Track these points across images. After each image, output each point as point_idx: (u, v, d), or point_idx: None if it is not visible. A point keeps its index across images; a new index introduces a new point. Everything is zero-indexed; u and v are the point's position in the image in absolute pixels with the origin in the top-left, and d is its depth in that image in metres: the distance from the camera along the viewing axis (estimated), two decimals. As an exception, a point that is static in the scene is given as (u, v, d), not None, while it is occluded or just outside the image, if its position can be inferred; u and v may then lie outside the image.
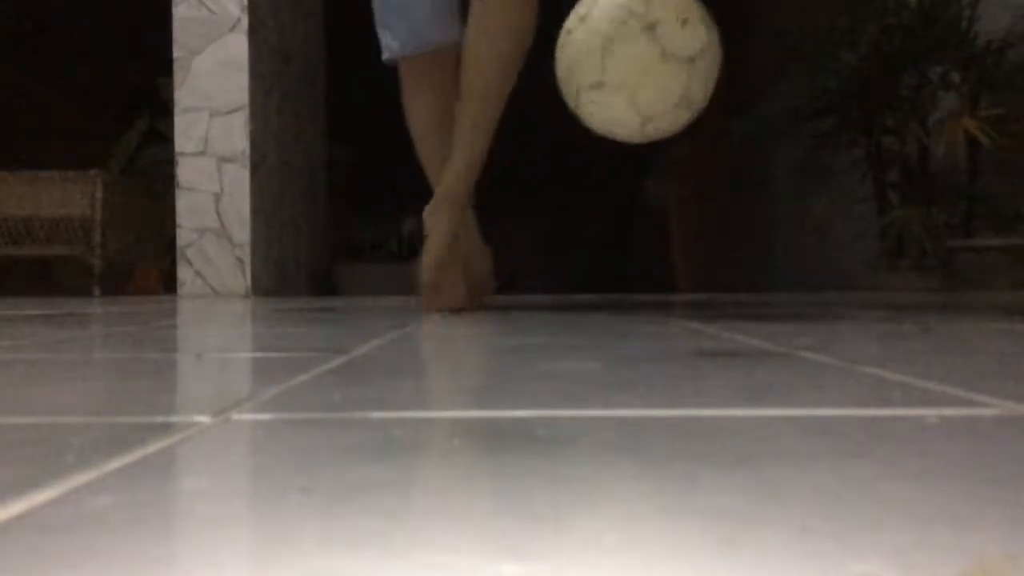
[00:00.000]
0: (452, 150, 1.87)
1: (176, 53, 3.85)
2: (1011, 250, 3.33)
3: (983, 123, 3.36)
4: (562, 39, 1.55)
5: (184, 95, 3.85)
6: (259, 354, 1.09)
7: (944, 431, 0.49)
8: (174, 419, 0.56)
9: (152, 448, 0.46)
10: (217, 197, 3.85)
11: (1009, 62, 3.43)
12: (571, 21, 1.52)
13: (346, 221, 5.49)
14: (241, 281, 3.84)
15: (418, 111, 1.98)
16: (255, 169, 3.88)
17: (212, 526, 0.33)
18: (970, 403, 0.59)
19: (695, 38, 1.44)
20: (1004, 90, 3.46)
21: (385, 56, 1.97)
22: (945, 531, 0.30)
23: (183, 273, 3.86)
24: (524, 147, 8.70)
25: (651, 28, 1.42)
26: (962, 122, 3.39)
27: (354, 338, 1.28)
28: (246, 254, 3.84)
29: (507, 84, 1.84)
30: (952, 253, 3.47)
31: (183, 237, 3.86)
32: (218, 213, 3.85)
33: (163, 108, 4.28)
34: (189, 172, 3.85)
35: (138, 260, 4.71)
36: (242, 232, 3.84)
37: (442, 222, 1.85)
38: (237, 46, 3.84)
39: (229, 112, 3.84)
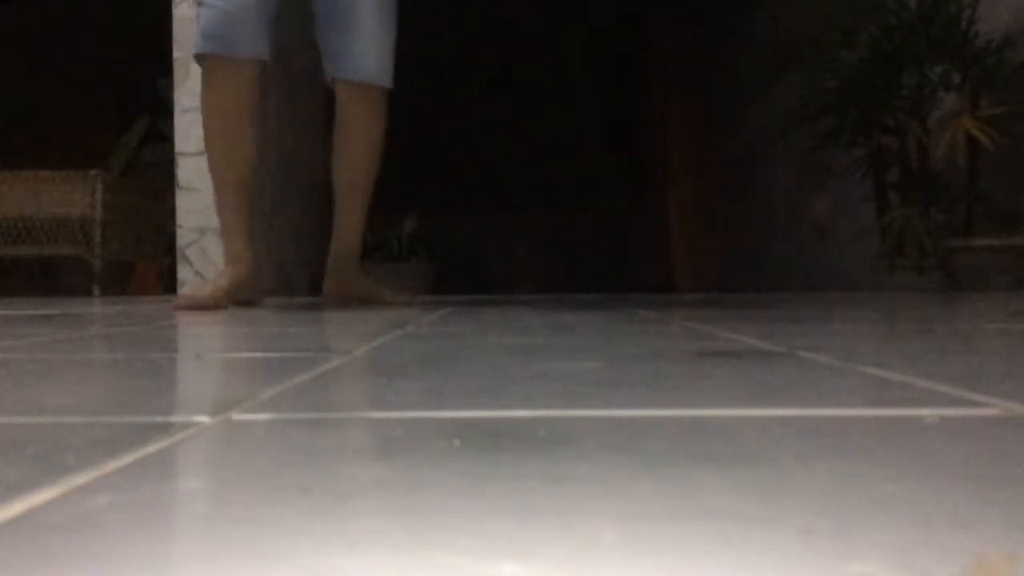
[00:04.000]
0: (346, 228, 2.47)
1: (176, 53, 3.84)
2: (1011, 250, 3.33)
3: (983, 123, 3.35)
4: None
5: (184, 95, 3.84)
6: (259, 354, 1.09)
7: (944, 431, 0.49)
8: (174, 419, 0.56)
9: (152, 448, 0.46)
10: (217, 197, 3.84)
11: (1009, 62, 3.43)
12: None
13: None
14: (241, 281, 3.83)
15: (210, 108, 2.27)
16: (255, 169, 3.88)
17: (212, 526, 0.33)
18: (970, 403, 0.59)
19: None
20: (1004, 90, 3.45)
21: (194, 50, 2.24)
22: (945, 531, 0.30)
23: (183, 273, 3.86)
24: (524, 148, 8.72)
25: None
26: (962, 122, 3.39)
27: (354, 338, 1.28)
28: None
29: (373, 179, 2.43)
30: (952, 253, 3.47)
31: (183, 237, 3.86)
32: (218, 213, 3.85)
33: (163, 108, 4.28)
34: (189, 172, 3.84)
35: (138, 260, 4.71)
36: (242, 232, 3.83)
37: (354, 278, 2.47)
38: (237, 46, 3.83)
39: (229, 112, 3.84)
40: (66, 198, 4.30)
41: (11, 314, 2.05)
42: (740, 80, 6.36)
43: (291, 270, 4.37)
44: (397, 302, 2.37)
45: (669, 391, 0.67)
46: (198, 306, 2.11)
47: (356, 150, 2.39)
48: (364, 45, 2.31)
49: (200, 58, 2.24)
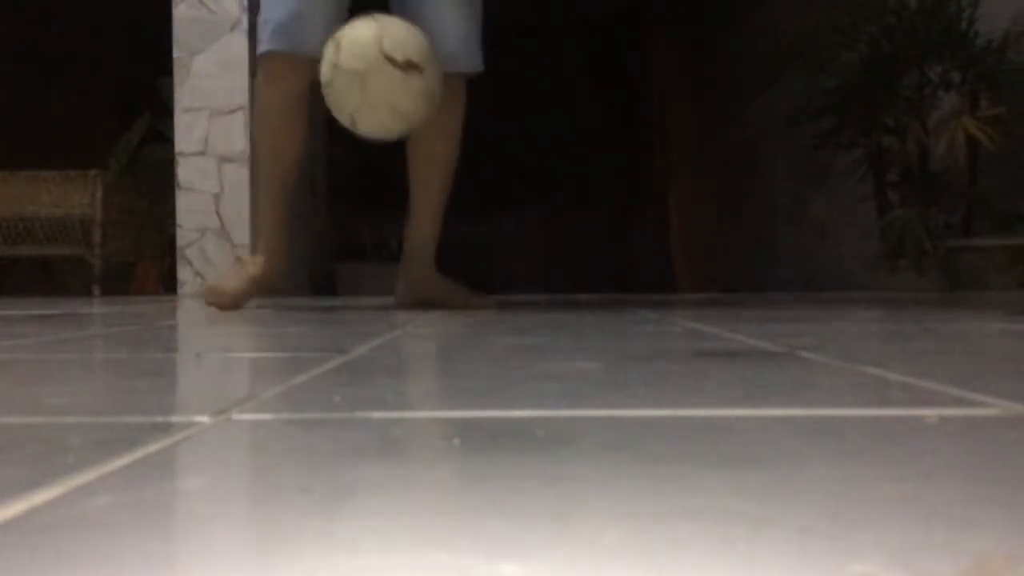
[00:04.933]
0: (420, 223, 2.30)
1: (176, 53, 3.84)
2: (1011, 250, 3.33)
3: (983, 123, 3.36)
4: (325, 88, 1.93)
5: (184, 95, 3.84)
6: (259, 354, 1.09)
7: (944, 431, 0.49)
8: (174, 419, 0.56)
9: (152, 448, 0.46)
10: (217, 197, 3.85)
11: (1009, 62, 3.43)
12: (326, 73, 1.90)
13: (346, 221, 5.48)
14: (241, 281, 3.83)
15: (272, 104, 2.22)
16: (255, 169, 3.88)
17: (212, 526, 0.33)
18: (970, 403, 0.59)
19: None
20: (1004, 90, 3.45)
21: (262, 48, 2.18)
22: (945, 531, 0.30)
23: (183, 273, 3.86)
24: (524, 148, 8.71)
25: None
26: (962, 122, 3.39)
27: (354, 338, 1.28)
28: (246, 254, 3.84)
29: (452, 172, 2.29)
30: (952, 253, 3.47)
31: (183, 237, 3.86)
32: (218, 213, 3.85)
33: (163, 108, 4.28)
34: (189, 172, 3.85)
35: (138, 260, 4.71)
36: (242, 232, 3.84)
37: (430, 280, 2.29)
38: (237, 46, 3.84)
39: (229, 112, 3.84)
40: (66, 198, 4.30)
41: (11, 314, 2.05)
42: (740, 80, 6.36)
43: (291, 270, 4.37)
44: (476, 306, 2.22)
45: (669, 391, 0.67)
46: (225, 304, 2.09)
47: (436, 141, 2.24)
48: (445, 27, 2.17)
49: (266, 55, 2.19)
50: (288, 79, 2.17)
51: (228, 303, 2.09)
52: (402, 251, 2.38)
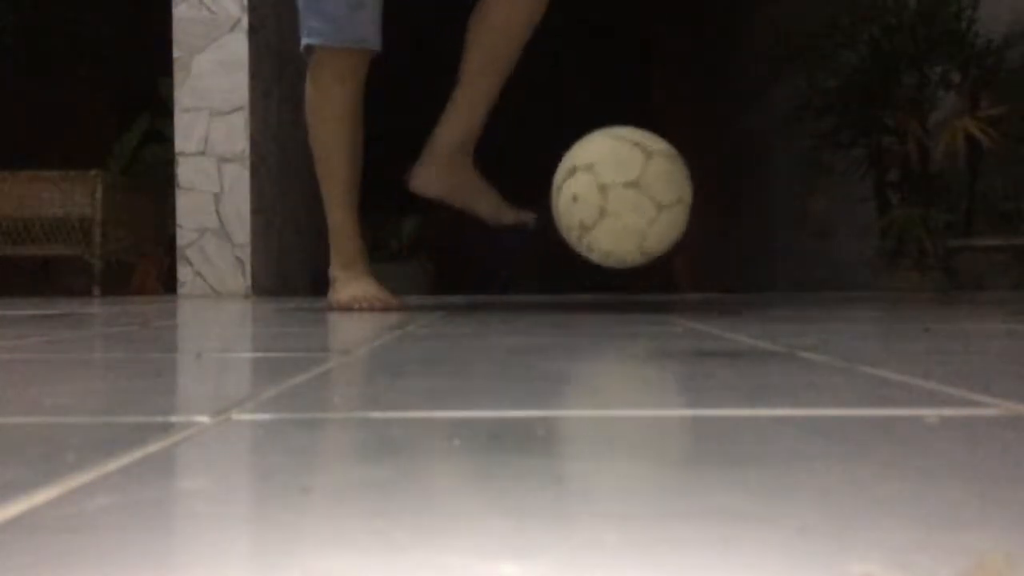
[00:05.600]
0: (470, 103, 2.09)
1: (176, 53, 3.84)
2: (1011, 250, 3.33)
3: (983, 123, 3.35)
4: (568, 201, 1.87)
5: (184, 95, 3.84)
6: (259, 354, 1.09)
7: (944, 431, 0.49)
8: (174, 419, 0.56)
9: (152, 448, 0.46)
10: (217, 197, 3.85)
11: (1009, 62, 3.43)
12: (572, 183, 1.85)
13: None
14: (241, 281, 3.84)
15: (332, 102, 2.04)
16: (255, 169, 3.88)
17: (212, 526, 0.33)
18: (970, 403, 0.59)
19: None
20: (1004, 90, 3.45)
21: (313, 41, 2.00)
22: (945, 531, 0.30)
23: (183, 273, 3.86)
24: (524, 148, 8.71)
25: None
26: (962, 122, 3.39)
27: (354, 338, 1.28)
28: (246, 254, 3.84)
29: (521, 48, 2.06)
30: (952, 253, 3.47)
31: (183, 237, 3.86)
32: (218, 213, 3.85)
33: (163, 108, 4.28)
34: (189, 172, 3.85)
35: (138, 260, 4.71)
36: (242, 232, 3.84)
37: (461, 169, 2.16)
38: (237, 46, 3.84)
39: (229, 112, 3.84)
40: (66, 198, 4.30)
41: (11, 314, 2.05)
42: (740, 80, 6.36)
43: (291, 270, 4.37)
44: (505, 219, 2.07)
45: (669, 391, 0.67)
46: (387, 307, 1.99)
47: (518, 16, 2.01)
48: None
49: (320, 49, 2.01)
50: (351, 76, 2.01)
51: (388, 304, 2.00)
52: (432, 135, 2.15)
